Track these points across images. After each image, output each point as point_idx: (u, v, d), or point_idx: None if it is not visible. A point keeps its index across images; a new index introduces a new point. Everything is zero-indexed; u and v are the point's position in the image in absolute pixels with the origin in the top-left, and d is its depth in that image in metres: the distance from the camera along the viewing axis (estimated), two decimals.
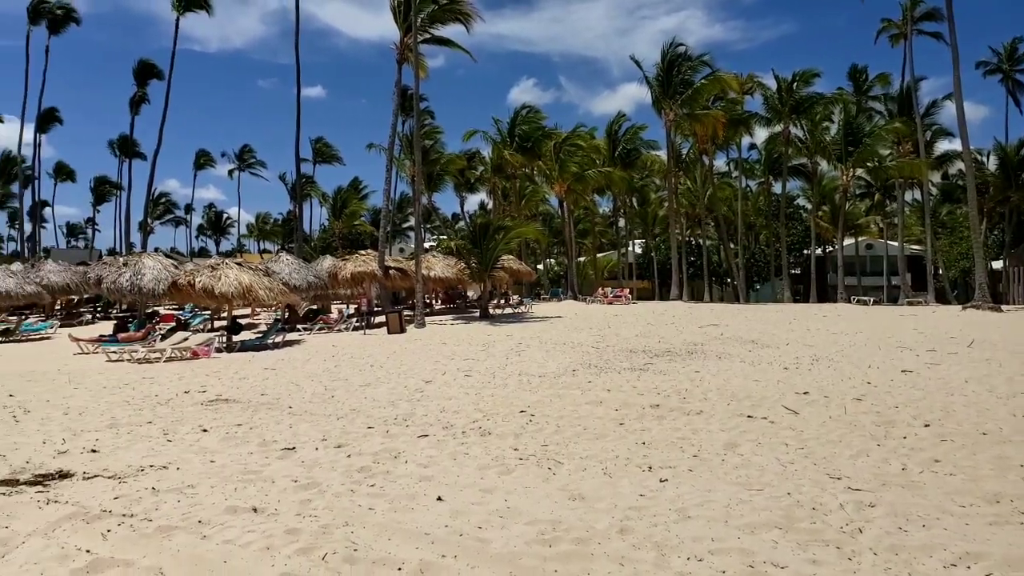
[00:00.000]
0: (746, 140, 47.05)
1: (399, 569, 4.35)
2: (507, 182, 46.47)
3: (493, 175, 46.60)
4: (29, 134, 57.71)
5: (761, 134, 46.22)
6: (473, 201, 76.74)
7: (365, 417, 9.20)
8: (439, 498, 5.71)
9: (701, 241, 48.54)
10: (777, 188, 48.04)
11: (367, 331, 23.90)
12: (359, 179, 64.29)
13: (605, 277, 52.49)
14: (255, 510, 5.40)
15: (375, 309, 28.41)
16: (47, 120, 60.41)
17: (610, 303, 36.21)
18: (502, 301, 34.57)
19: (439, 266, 31.15)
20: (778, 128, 43.25)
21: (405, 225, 70.21)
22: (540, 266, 52.87)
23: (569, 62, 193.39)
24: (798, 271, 51.81)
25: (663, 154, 44.85)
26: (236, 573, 4.27)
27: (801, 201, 55.64)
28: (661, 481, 6.17)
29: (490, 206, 56.30)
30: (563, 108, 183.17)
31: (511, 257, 34.43)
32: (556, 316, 28.00)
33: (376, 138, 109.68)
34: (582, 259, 53.68)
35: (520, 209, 46.25)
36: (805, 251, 50.51)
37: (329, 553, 4.54)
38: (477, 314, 28.96)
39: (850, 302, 38.38)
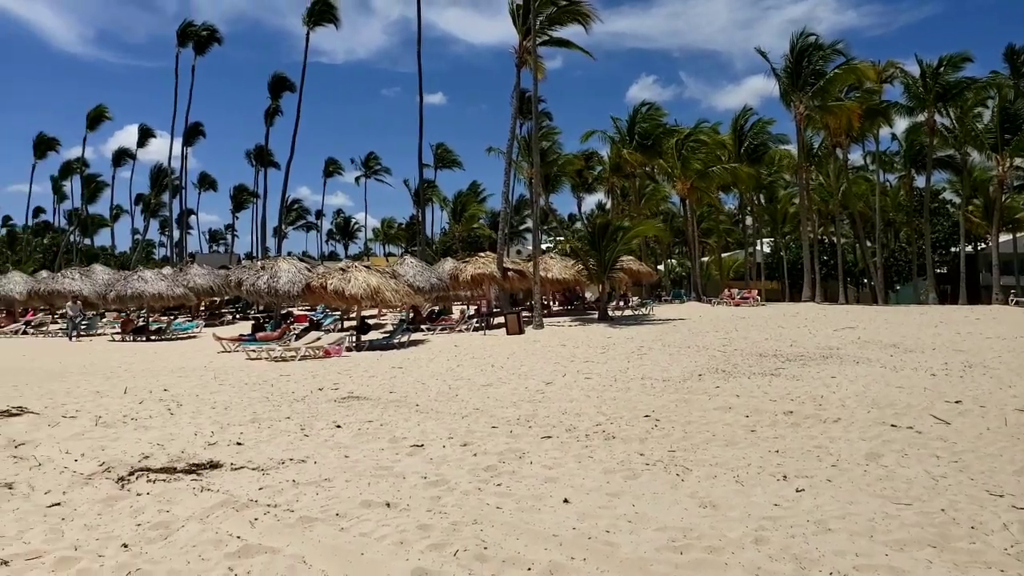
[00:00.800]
0: (884, 131, 44.09)
1: (528, 569, 4.36)
2: (626, 181, 45.87)
3: (611, 175, 46.13)
4: (177, 147, 62.81)
5: (901, 124, 43.14)
6: (590, 202, 76.59)
7: (488, 417, 9.32)
8: (565, 500, 5.68)
9: (835, 239, 45.97)
10: (920, 181, 44.68)
11: (487, 332, 24.28)
12: (478, 183, 65.64)
13: (731, 278, 50.73)
14: (388, 505, 5.57)
15: (494, 310, 28.82)
16: (192, 134, 65.57)
17: (737, 305, 34.99)
18: (621, 303, 34.16)
19: (556, 267, 31.17)
20: (921, 117, 40.22)
21: (523, 227, 70.87)
22: (661, 266, 51.76)
23: (690, 57, 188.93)
24: (944, 270, 47.97)
25: (793, 148, 42.86)
26: (372, 565, 4.42)
27: (948, 195, 51.50)
28: (797, 491, 5.86)
29: (608, 206, 55.86)
30: (684, 104, 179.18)
31: (631, 258, 33.94)
32: (679, 318, 27.35)
33: (495, 142, 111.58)
34: (706, 259, 52.14)
35: (640, 208, 45.55)
36: (953, 248, 46.72)
37: (460, 550, 4.62)
38: (595, 316, 28.76)
39: (1008, 303, 35.16)
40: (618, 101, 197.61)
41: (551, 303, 36.27)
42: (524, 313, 26.47)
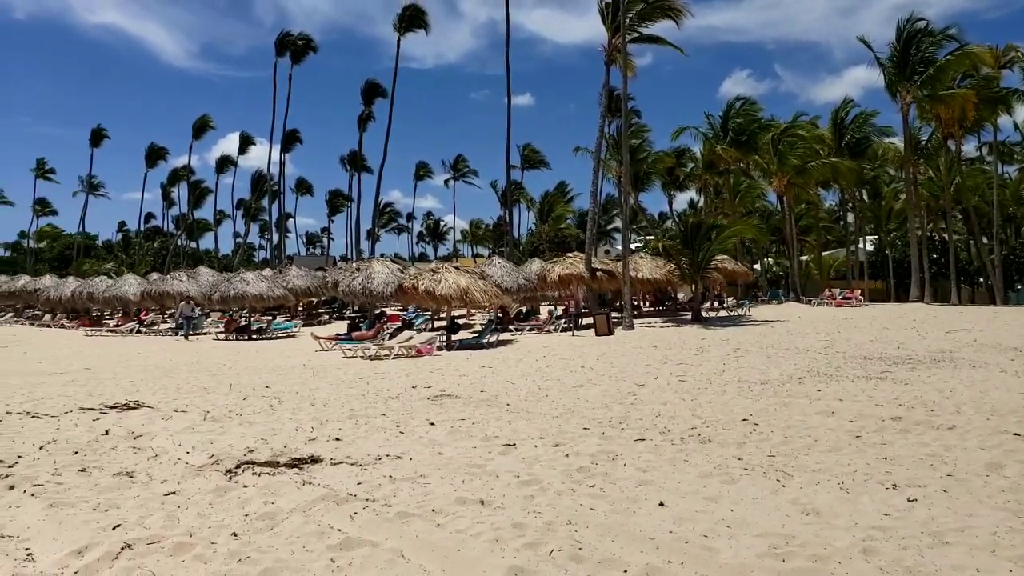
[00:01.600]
0: (1003, 120, 41.18)
1: (624, 572, 4.29)
2: (719, 178, 44.74)
3: (704, 172, 45.11)
4: (276, 154, 65.67)
5: (1023, 112, 40.29)
6: (682, 200, 74.99)
7: (580, 418, 9.27)
8: (661, 503, 5.57)
9: (946, 236, 43.32)
10: None
11: (575, 332, 24.18)
12: (565, 183, 65.57)
13: (831, 277, 48.58)
14: (482, 503, 5.62)
15: (583, 311, 28.67)
16: (290, 141, 68.29)
17: (839, 305, 33.51)
18: (716, 303, 33.33)
19: (647, 267, 30.73)
20: None
21: (611, 227, 70.25)
22: (757, 266, 50.12)
23: (786, 49, 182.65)
24: None
25: (899, 141, 40.68)
26: (469, 562, 4.46)
27: None
28: (909, 500, 5.54)
29: (701, 204, 54.62)
30: (780, 98, 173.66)
31: (725, 257, 33.06)
32: (777, 319, 26.44)
33: (582, 141, 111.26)
34: (804, 258, 50.17)
35: (734, 206, 44.29)
36: None
37: (555, 550, 4.60)
38: (688, 317, 28.16)
39: None
40: (710, 97, 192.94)
41: (641, 304, 35.79)
42: (613, 314, 26.23)
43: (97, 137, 79.03)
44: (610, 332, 22.96)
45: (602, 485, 6.11)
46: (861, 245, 48.66)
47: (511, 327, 25.68)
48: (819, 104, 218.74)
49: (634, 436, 8.06)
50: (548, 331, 25.31)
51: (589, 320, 25.48)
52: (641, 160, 43.43)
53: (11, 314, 47.59)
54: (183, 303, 28.62)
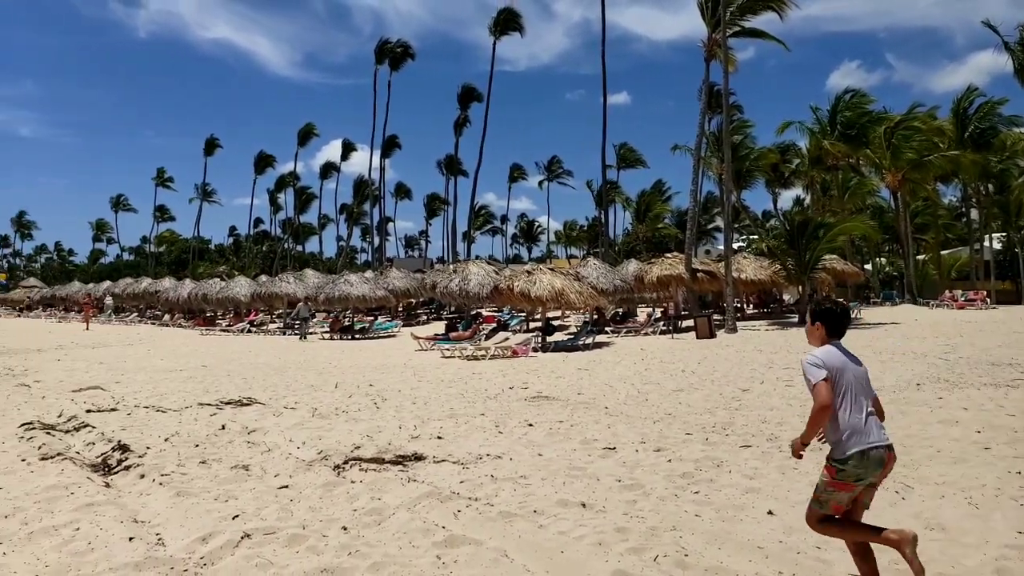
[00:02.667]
0: None
1: None
2: (827, 175, 42.73)
3: (810, 168, 43.19)
4: (376, 160, 67.74)
5: None
6: (787, 197, 72.13)
7: (681, 423, 9.06)
8: (770, 512, 5.37)
9: None
10: None
11: (675, 335, 23.69)
12: (662, 181, 64.32)
13: (952, 278, 45.45)
14: (584, 505, 5.57)
15: (682, 313, 28.07)
16: (389, 146, 70.42)
17: (960, 308, 31.41)
18: None
19: (750, 268, 29.77)
20: None
21: (711, 226, 68.44)
22: (868, 266, 47.63)
23: (898, 37, 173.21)
24: None
25: None
26: (573, 564, 4.44)
27: None
28: None
29: (807, 201, 52.41)
30: (893, 89, 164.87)
31: (834, 256, 31.60)
32: (891, 322, 25.06)
33: (680, 139, 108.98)
34: (921, 257, 47.22)
35: (843, 203, 42.23)
36: None
37: (660, 555, 4.51)
38: (795, 319, 27.08)
39: None
40: (817, 90, 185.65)
41: (744, 306, 34.72)
42: (715, 316, 25.55)
43: (210, 147, 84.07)
44: (712, 335, 22.37)
45: (707, 492, 5.95)
46: (987, 243, 45.33)
47: (607, 329, 25.44)
48: (937, 94, 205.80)
49: (739, 442, 7.81)
50: (646, 333, 24.93)
51: (689, 323, 24.92)
52: (743, 157, 42.06)
53: (135, 314, 51.18)
54: (301, 304, 29.54)
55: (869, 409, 3.94)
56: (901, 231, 39.10)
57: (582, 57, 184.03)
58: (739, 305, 32.30)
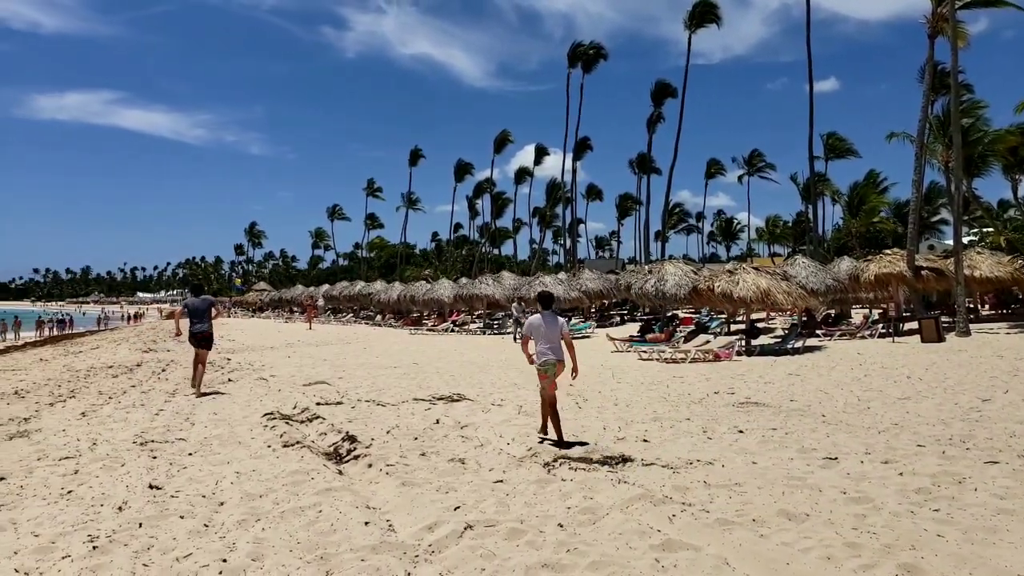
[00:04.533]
0: None
1: None
2: None
3: None
4: (568, 162, 68.60)
5: None
6: None
7: (911, 434, 8.28)
8: None
9: None
10: None
11: (896, 339, 21.67)
12: (876, 172, 58.86)
13: None
14: (807, 516, 5.28)
15: (904, 314, 25.62)
16: (581, 148, 70.98)
17: None
18: None
19: (985, 264, 26.52)
20: None
21: (935, 219, 61.73)
22: None
23: None
24: None
25: None
26: None
27: None
28: None
29: None
30: None
31: None
32: None
33: (896, 125, 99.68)
34: None
35: None
36: None
37: (901, 575, 4.17)
38: None
39: None
40: None
41: (978, 306, 31.00)
42: (943, 318, 23.05)
43: (414, 157, 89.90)
44: (940, 339, 20.22)
45: (948, 510, 5.39)
46: None
47: (818, 332, 23.83)
48: None
49: (984, 458, 6.99)
50: (862, 337, 23.05)
51: (913, 325, 22.69)
52: (975, 141, 37.45)
53: (351, 315, 55.99)
54: (515, 304, 30.33)
55: None
56: None
57: (781, 44, 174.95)
58: (971, 305, 28.89)
